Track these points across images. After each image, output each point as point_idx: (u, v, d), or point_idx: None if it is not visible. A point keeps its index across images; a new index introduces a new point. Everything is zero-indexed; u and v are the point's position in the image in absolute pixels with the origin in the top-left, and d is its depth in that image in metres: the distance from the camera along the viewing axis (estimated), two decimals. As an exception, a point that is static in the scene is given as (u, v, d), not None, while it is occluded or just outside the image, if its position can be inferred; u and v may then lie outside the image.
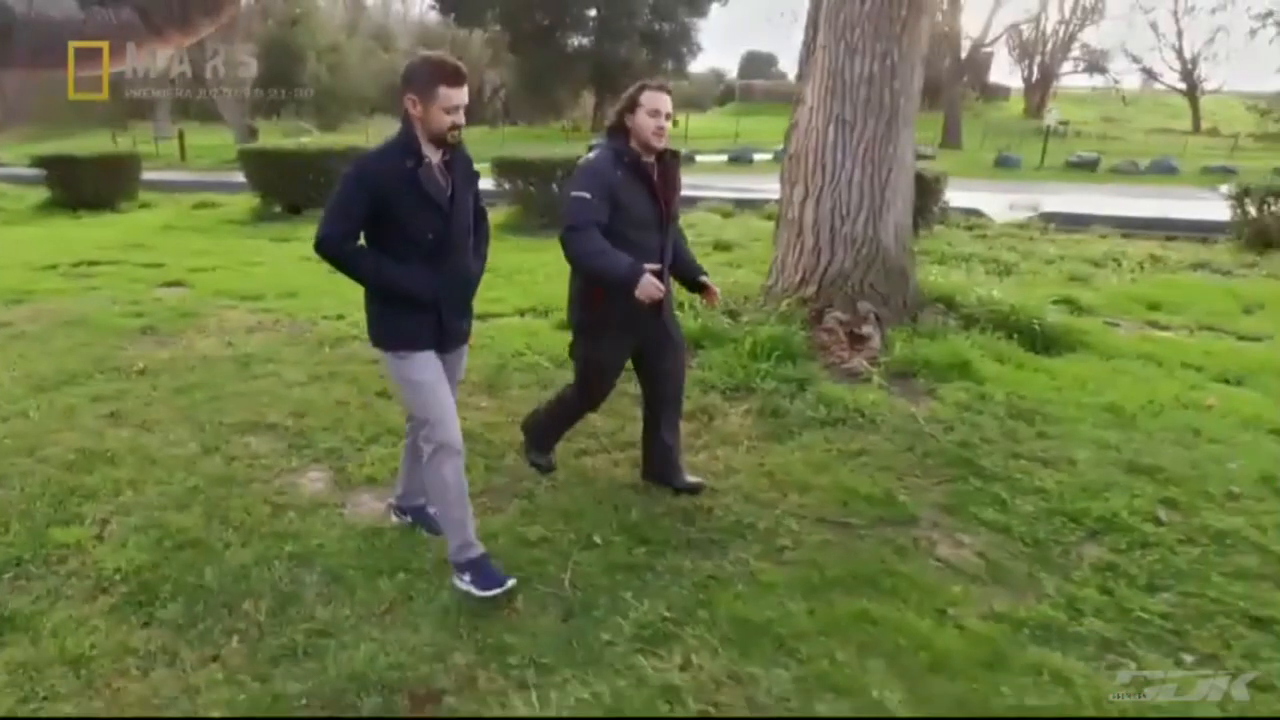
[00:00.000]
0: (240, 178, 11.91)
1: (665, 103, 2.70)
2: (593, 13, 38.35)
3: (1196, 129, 42.85)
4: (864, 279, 5.10)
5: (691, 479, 3.20)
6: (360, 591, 2.60)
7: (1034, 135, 34.03)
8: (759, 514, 3.10)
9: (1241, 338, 5.55)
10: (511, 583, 2.50)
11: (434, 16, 45.25)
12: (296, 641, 2.35)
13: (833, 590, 2.61)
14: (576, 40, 39.87)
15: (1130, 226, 10.45)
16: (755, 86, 57.34)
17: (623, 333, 2.90)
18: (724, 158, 24.91)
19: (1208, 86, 47.74)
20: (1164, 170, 21.83)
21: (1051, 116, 23.46)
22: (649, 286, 2.57)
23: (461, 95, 2.30)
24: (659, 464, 3.19)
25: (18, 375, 4.58)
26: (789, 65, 51.94)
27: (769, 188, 8.07)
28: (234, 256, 8.25)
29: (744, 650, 2.33)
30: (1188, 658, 2.30)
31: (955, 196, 10.97)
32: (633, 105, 2.71)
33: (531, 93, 41.76)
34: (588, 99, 42.32)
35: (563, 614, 2.50)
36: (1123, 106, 47.58)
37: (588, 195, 2.66)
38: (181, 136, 24.12)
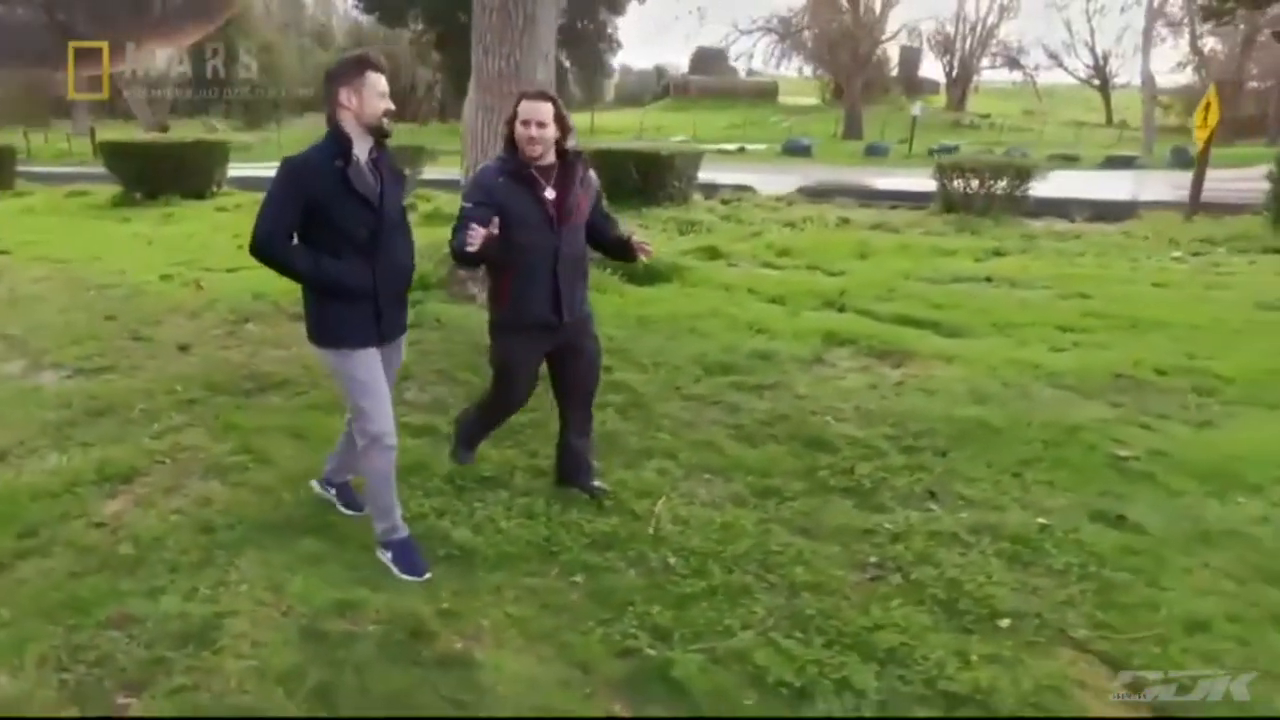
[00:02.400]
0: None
1: (537, 111, 2.73)
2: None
3: (1109, 121, 45.52)
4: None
5: (597, 483, 3.26)
6: None
7: (951, 128, 36.51)
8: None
9: (829, 274, 7.17)
10: (428, 576, 2.66)
11: (367, 17, 46.11)
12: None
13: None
14: (491, 36, 40.89)
15: (867, 197, 12.20)
16: (691, 82, 58.96)
17: (531, 334, 2.93)
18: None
19: (1118, 81, 50.77)
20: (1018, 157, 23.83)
21: (916, 108, 25.38)
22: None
23: (385, 81, 2.44)
24: (568, 466, 3.27)
25: None
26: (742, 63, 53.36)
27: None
28: (67, 233, 9.54)
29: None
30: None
31: (758, 179, 12.62)
32: (513, 117, 2.79)
33: (459, 90, 42.84)
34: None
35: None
36: (1042, 101, 50.23)
37: (470, 204, 2.74)
38: (93, 133, 24.99)
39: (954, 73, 49.25)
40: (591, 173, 3.00)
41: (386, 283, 2.54)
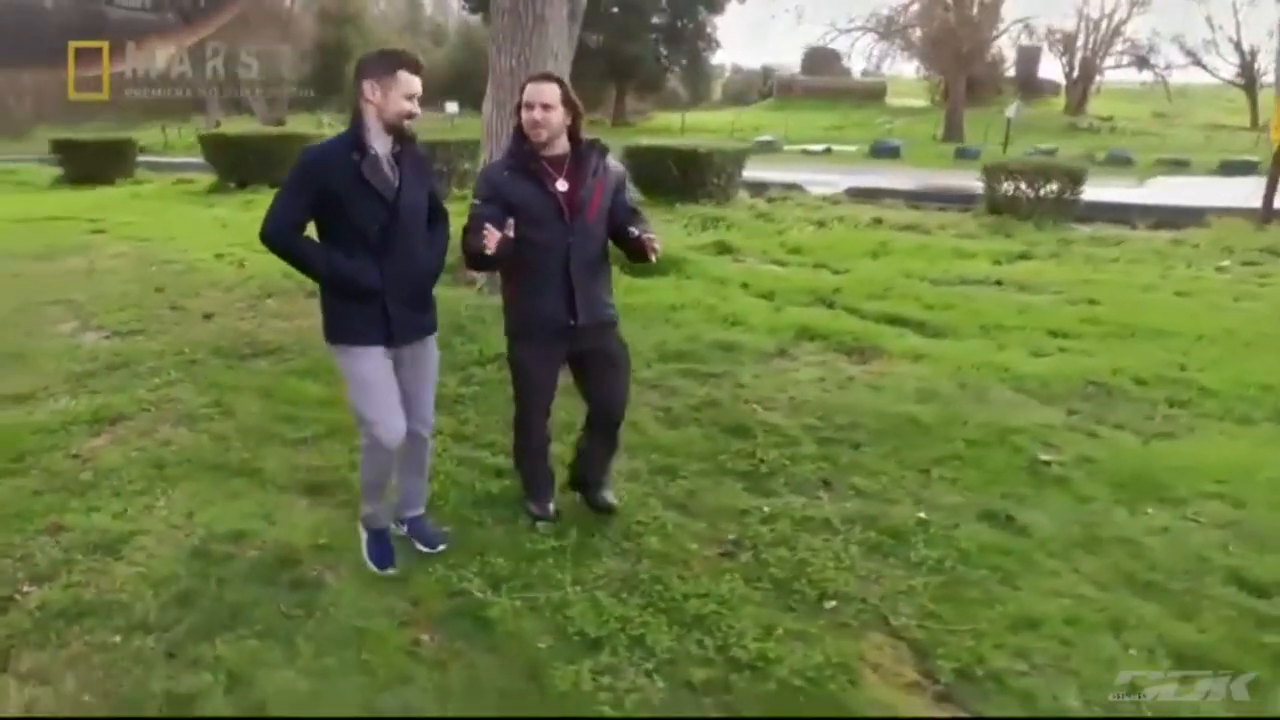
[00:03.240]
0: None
1: (541, 93, 2.55)
2: (613, 10, 40.08)
3: (1254, 124, 41.71)
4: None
5: (609, 498, 3.07)
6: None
7: (1065, 131, 34.40)
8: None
9: (834, 272, 7.11)
10: (391, 571, 2.65)
11: (474, 16, 47.83)
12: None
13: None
14: (596, 37, 41.70)
15: (916, 198, 11.81)
16: (797, 82, 58.18)
17: (544, 338, 2.73)
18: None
19: (1266, 80, 46.32)
20: (1120, 161, 22.33)
21: (1011, 110, 24.15)
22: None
23: (418, 84, 2.34)
24: (580, 471, 3.09)
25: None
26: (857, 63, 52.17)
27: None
28: (157, 216, 10.59)
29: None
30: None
31: (822, 178, 12.49)
32: (519, 104, 2.61)
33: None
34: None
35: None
36: (1173, 102, 46.63)
37: (478, 201, 2.60)
38: (218, 127, 27.28)
39: (1074, 73, 46.35)
40: (611, 161, 2.75)
41: (398, 281, 2.41)
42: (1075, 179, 9.69)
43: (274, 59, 29.68)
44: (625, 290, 6.11)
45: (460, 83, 39.56)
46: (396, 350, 2.51)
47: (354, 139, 2.33)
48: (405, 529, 2.87)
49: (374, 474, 2.59)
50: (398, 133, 2.36)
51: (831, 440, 3.79)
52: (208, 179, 14.02)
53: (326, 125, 27.46)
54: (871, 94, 53.34)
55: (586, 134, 2.72)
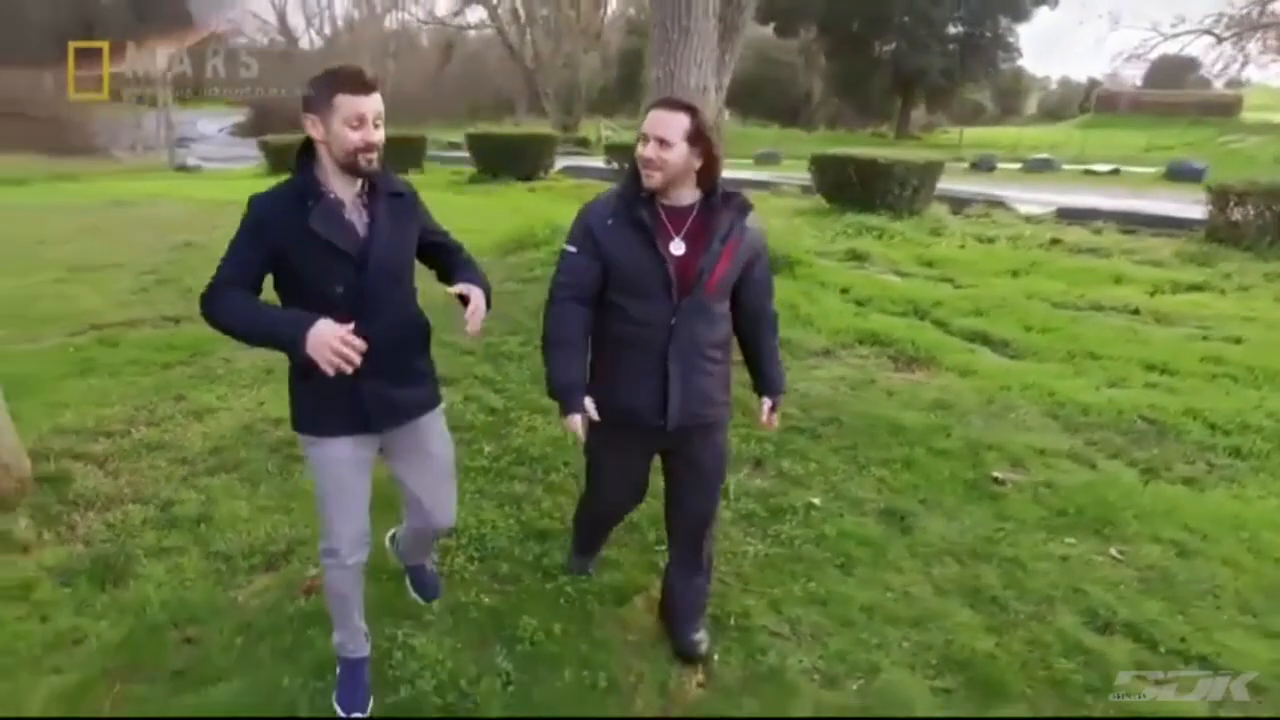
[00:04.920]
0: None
1: (660, 124, 1.95)
2: (904, 19, 38.62)
3: None
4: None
5: (697, 641, 2.33)
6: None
7: None
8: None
9: (956, 286, 6.68)
10: (358, 716, 2.07)
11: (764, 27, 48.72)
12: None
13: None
14: (884, 47, 40.39)
15: (1135, 221, 10.15)
16: (1121, 96, 51.51)
17: (625, 430, 2.17)
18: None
19: None
20: None
21: None
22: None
23: (368, 104, 1.77)
24: (667, 607, 2.44)
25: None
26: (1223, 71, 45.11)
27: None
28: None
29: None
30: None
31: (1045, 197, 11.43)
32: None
33: (841, 97, 43.55)
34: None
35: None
36: None
37: (573, 249, 2.07)
38: (517, 127, 31.56)
39: None
40: (753, 223, 2.08)
41: (371, 351, 1.78)
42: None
43: (574, 66, 33.51)
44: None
45: (752, 93, 40.85)
46: (384, 438, 2.02)
47: (304, 183, 1.82)
48: (401, 560, 2.49)
49: (335, 600, 2.06)
50: (354, 173, 1.83)
51: (797, 428, 3.88)
52: (471, 171, 16.53)
53: (605, 129, 30.15)
54: (1219, 108, 45.26)
55: (729, 185, 2.06)
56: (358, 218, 1.87)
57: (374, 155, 1.81)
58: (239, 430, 3.76)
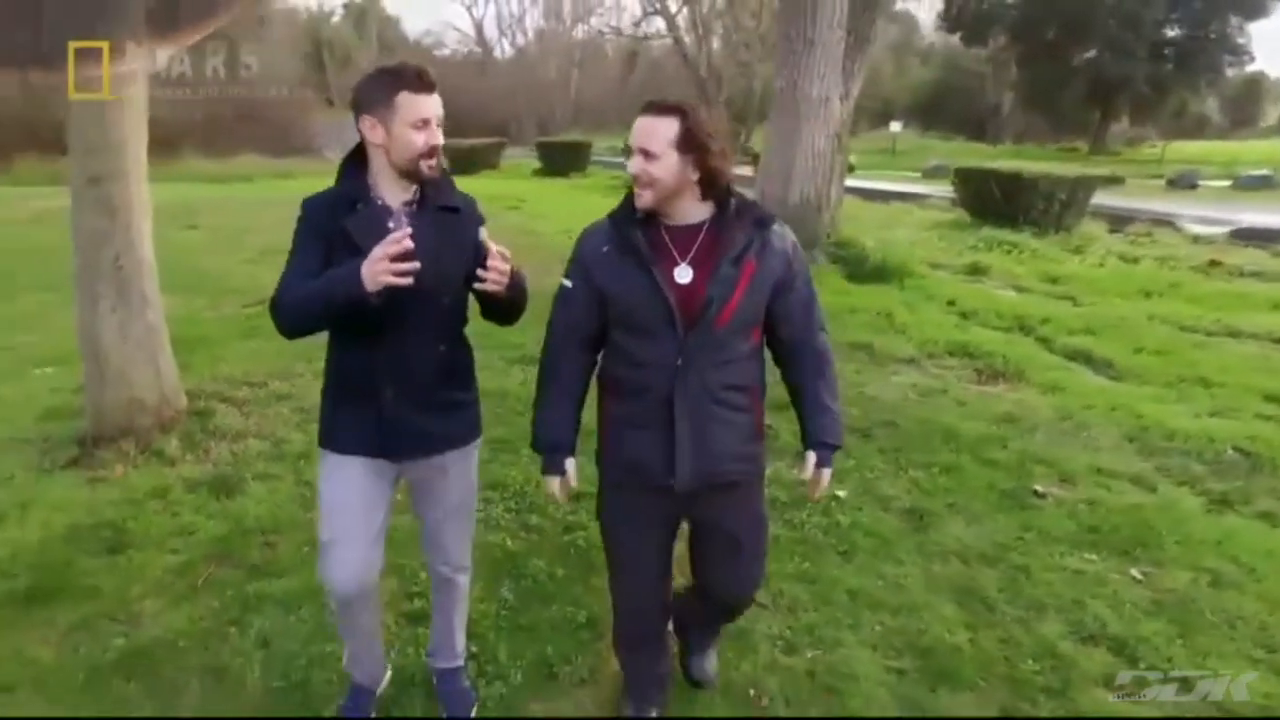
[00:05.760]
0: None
1: (643, 132, 1.64)
2: (1109, 23, 35.26)
3: None
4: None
5: (708, 669, 2.20)
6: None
7: None
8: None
9: (1075, 305, 6.28)
10: None
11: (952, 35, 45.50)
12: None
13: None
14: (1083, 54, 37.03)
15: None
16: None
17: (634, 491, 1.81)
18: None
19: None
20: None
21: None
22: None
23: (430, 105, 1.66)
24: (678, 616, 2.18)
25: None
26: None
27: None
28: (547, 195, 13.76)
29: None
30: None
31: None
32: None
33: (1032, 109, 40.39)
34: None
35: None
36: None
37: (568, 283, 1.77)
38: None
39: None
40: (778, 236, 1.73)
41: (397, 373, 1.74)
42: None
43: (750, 75, 33.69)
44: (833, 292, 6.46)
45: (936, 104, 38.72)
46: (404, 470, 1.87)
47: (352, 188, 1.73)
48: (434, 678, 2.19)
49: (340, 621, 1.97)
50: (414, 179, 1.73)
51: (850, 428, 3.92)
52: (626, 175, 17.37)
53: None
54: None
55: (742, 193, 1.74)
56: (405, 225, 1.69)
57: (435, 160, 1.71)
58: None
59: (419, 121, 1.66)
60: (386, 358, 1.74)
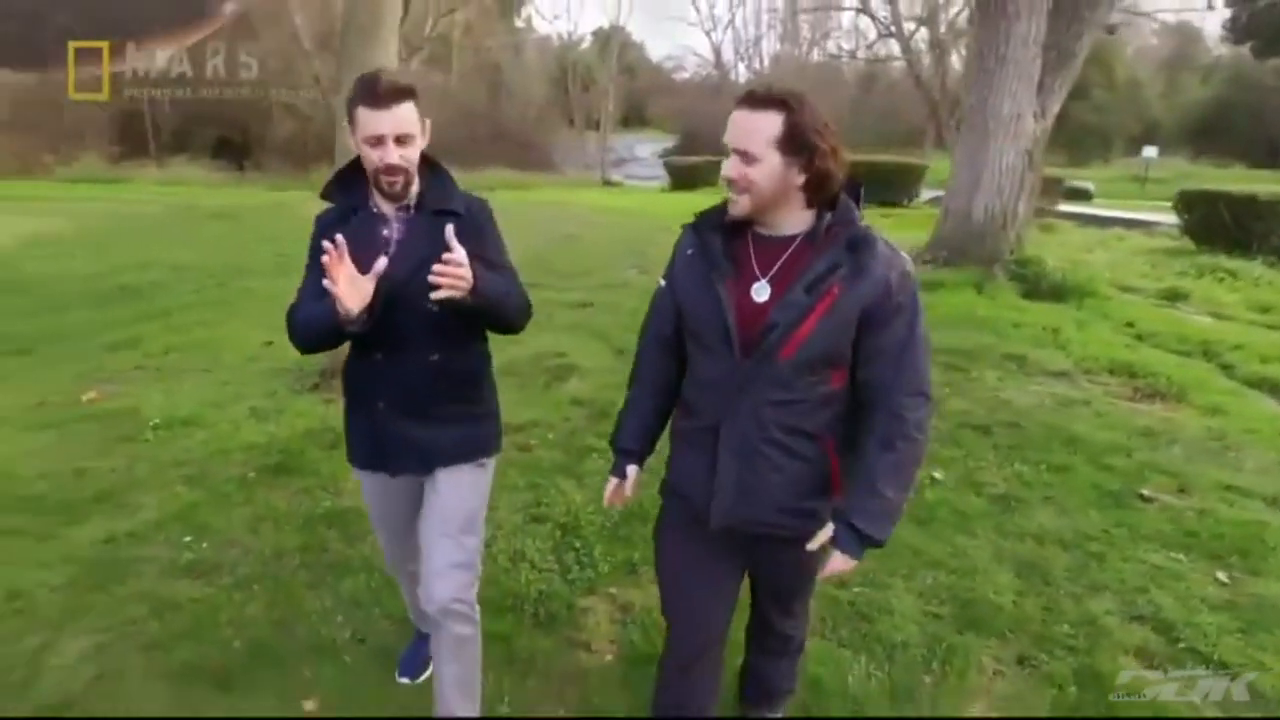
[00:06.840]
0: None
1: (738, 129, 1.43)
2: None
3: None
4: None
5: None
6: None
7: None
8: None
9: (1219, 318, 5.71)
10: (402, 680, 2.17)
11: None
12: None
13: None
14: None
15: None
16: None
17: (681, 517, 1.68)
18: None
19: None
20: None
21: None
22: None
23: (383, 121, 1.59)
24: (745, 686, 2.04)
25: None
26: None
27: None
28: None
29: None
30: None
31: None
32: None
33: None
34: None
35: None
36: None
37: (662, 281, 1.66)
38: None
39: None
40: (883, 264, 1.44)
41: (388, 383, 1.72)
42: None
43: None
44: (1006, 306, 6.36)
45: (1214, 126, 33.95)
46: (407, 482, 1.85)
47: (354, 197, 1.74)
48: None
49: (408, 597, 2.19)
50: (381, 193, 1.69)
51: (971, 425, 4.05)
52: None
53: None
54: None
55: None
56: (392, 234, 1.71)
57: (397, 179, 1.63)
58: (530, 357, 5.21)
59: (371, 138, 1.60)
60: (380, 368, 1.73)
